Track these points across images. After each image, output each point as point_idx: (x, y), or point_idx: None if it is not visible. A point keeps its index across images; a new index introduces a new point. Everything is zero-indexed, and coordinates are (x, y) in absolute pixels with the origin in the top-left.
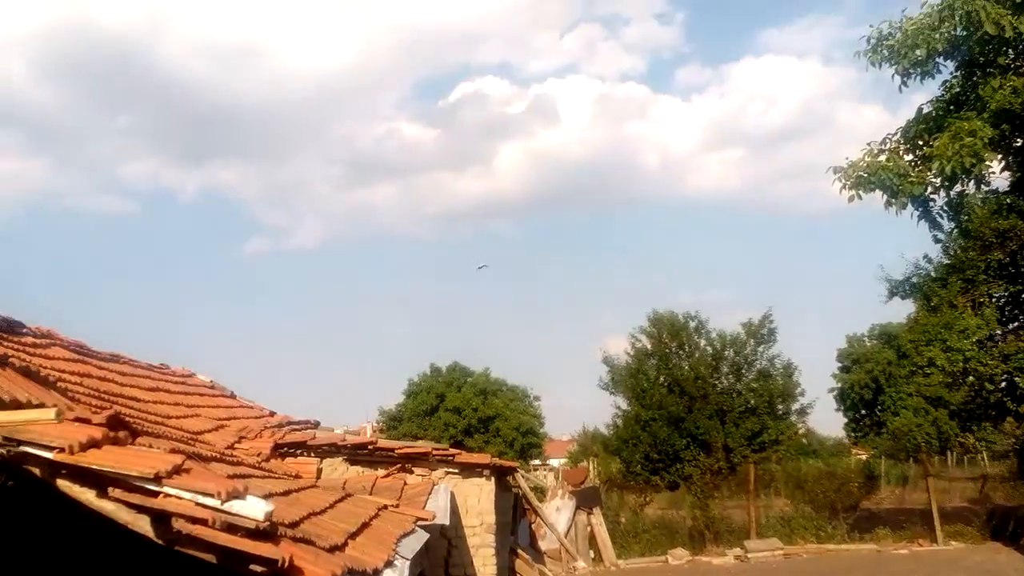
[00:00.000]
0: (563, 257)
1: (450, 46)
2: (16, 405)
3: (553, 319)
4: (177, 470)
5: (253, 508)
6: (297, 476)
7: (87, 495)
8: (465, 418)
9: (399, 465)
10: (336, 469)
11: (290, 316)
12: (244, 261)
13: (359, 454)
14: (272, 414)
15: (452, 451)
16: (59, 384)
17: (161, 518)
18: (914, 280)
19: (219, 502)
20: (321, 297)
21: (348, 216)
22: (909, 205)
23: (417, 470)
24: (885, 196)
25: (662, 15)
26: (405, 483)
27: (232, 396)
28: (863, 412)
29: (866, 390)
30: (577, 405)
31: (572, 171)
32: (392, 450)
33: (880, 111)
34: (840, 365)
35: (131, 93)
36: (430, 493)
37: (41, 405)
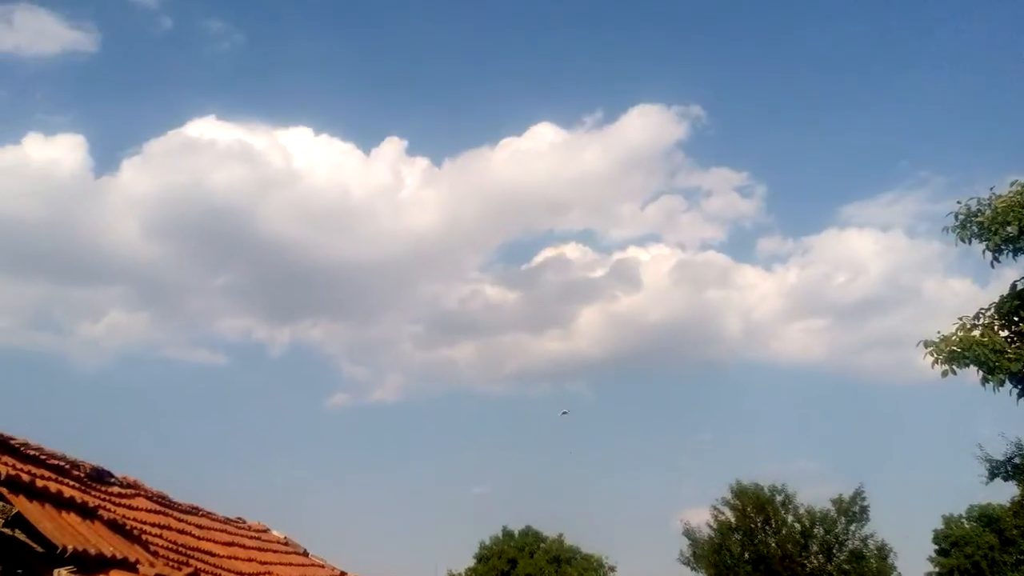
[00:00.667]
0: (640, 420)
1: (536, 213)
2: (101, 559)
3: (630, 485)
4: None
5: None
6: None
7: None
8: None
9: None
10: None
11: (365, 468)
12: (326, 413)
13: None
14: (343, 574)
15: None
16: (142, 536)
17: None
18: (1016, 461)
19: None
20: (397, 450)
21: (428, 371)
22: (1007, 382)
23: None
24: (981, 372)
25: (743, 187)
26: None
27: (304, 554)
28: None
29: None
30: None
31: (651, 334)
32: None
33: (969, 284)
34: (937, 548)
35: (232, 254)
36: None
37: (125, 560)
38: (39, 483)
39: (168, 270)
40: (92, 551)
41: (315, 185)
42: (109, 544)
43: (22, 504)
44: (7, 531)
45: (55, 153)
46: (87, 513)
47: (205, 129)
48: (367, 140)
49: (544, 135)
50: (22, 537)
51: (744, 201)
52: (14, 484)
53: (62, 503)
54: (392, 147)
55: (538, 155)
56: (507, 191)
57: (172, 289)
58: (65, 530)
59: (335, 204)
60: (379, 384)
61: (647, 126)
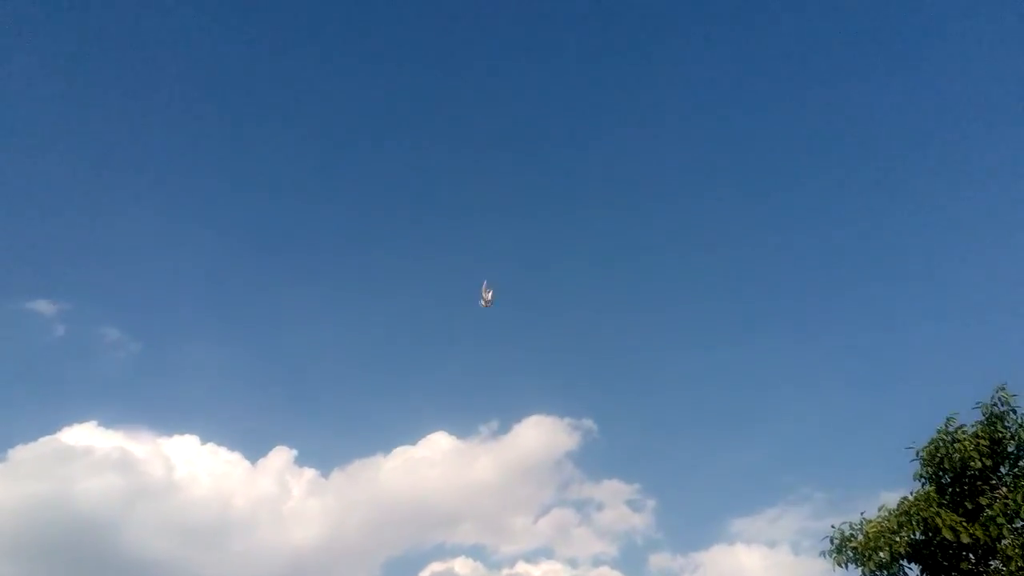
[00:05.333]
0: None
1: (427, 526)
2: None
3: None
4: None
5: None
6: None
7: None
8: None
9: None
10: None
11: None
12: None
13: None
14: None
15: None
16: None
17: None
18: None
19: None
20: None
21: None
22: None
23: None
24: None
25: (633, 501)
26: None
27: None
28: None
29: None
30: None
31: None
32: None
33: None
34: None
35: (88, 573)
36: None
37: None
38: None
39: None
40: None
41: (194, 496)
42: None
43: None
44: None
45: None
46: None
47: (83, 435)
48: (255, 449)
49: (439, 443)
50: None
51: (635, 515)
52: None
53: None
54: (280, 456)
55: (431, 464)
56: (397, 502)
57: None
58: None
59: (213, 517)
60: None
61: (540, 436)
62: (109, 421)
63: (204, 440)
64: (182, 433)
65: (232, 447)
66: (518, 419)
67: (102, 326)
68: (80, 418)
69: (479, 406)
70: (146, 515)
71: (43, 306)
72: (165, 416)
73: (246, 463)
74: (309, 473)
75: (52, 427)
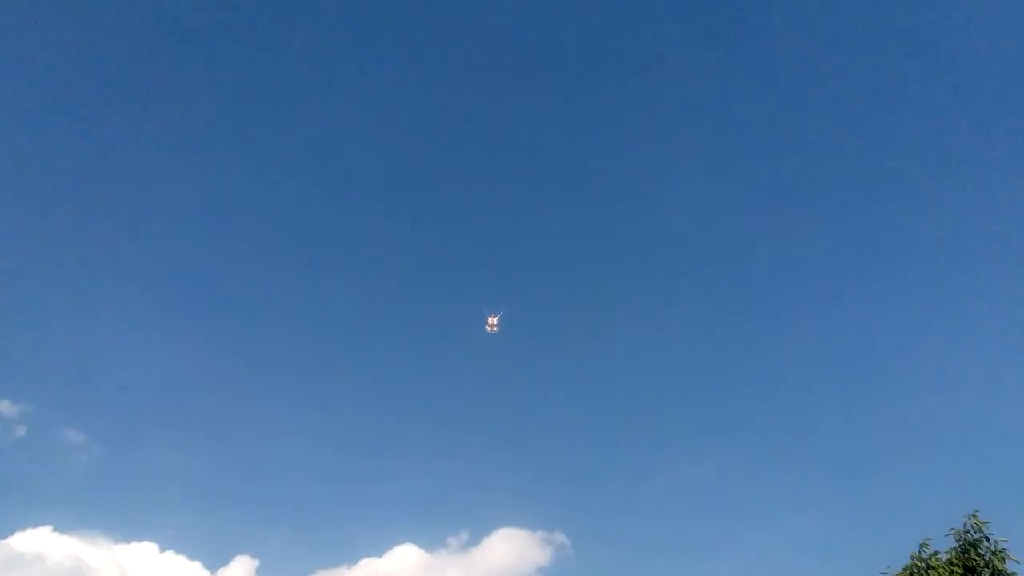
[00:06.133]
0: None
1: None
2: None
3: None
4: None
5: None
6: None
7: None
8: None
9: None
10: None
11: None
12: None
13: None
14: None
15: None
16: None
17: None
18: None
19: None
20: None
21: None
22: None
23: None
24: None
25: None
26: None
27: None
28: None
29: None
30: None
31: None
32: None
33: None
34: None
35: None
36: None
37: None
38: None
39: None
40: None
41: None
42: None
43: None
44: None
45: None
46: None
47: (36, 541)
48: (215, 558)
49: (406, 556)
50: None
51: None
52: None
53: None
54: (242, 567)
55: None
56: None
57: None
58: None
59: None
60: None
61: (511, 550)
62: (65, 526)
63: (163, 548)
64: (140, 540)
65: (192, 556)
66: (488, 531)
67: (65, 428)
68: (34, 523)
69: (448, 517)
70: None
71: (4, 406)
72: (123, 522)
73: (206, 573)
74: None
75: (4, 532)
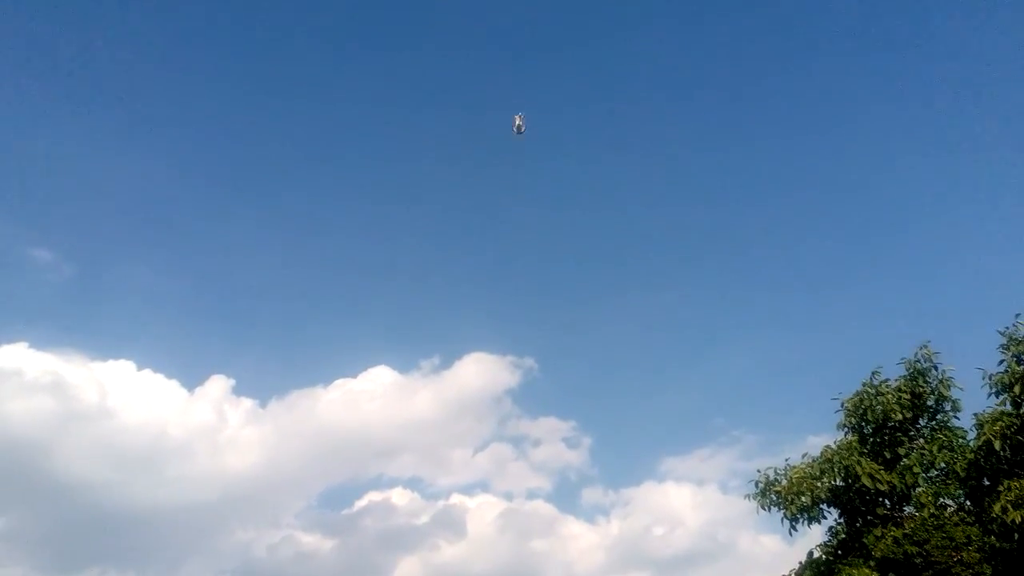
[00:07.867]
0: None
1: (365, 457)
2: None
3: None
4: None
5: None
6: None
7: None
8: None
9: None
10: None
11: None
12: None
13: None
14: None
15: None
16: None
17: None
18: None
19: None
20: None
21: None
22: None
23: None
24: None
25: (569, 438)
26: None
27: None
28: None
29: None
30: None
31: None
32: None
33: (779, 541)
34: None
35: (16, 495)
36: None
37: None
38: None
39: None
40: None
41: (128, 422)
42: None
43: None
44: None
45: None
46: None
47: (12, 357)
48: (192, 377)
49: (380, 377)
50: None
51: (570, 451)
52: None
53: None
54: (218, 385)
55: (371, 397)
56: (336, 433)
57: None
58: None
59: (148, 443)
60: None
61: (481, 373)
62: (40, 343)
63: (140, 366)
64: (116, 358)
65: (169, 374)
66: (460, 355)
67: (31, 247)
68: (9, 339)
69: (421, 341)
70: (78, 439)
71: None
72: (99, 340)
73: (183, 391)
74: (247, 403)
75: None
